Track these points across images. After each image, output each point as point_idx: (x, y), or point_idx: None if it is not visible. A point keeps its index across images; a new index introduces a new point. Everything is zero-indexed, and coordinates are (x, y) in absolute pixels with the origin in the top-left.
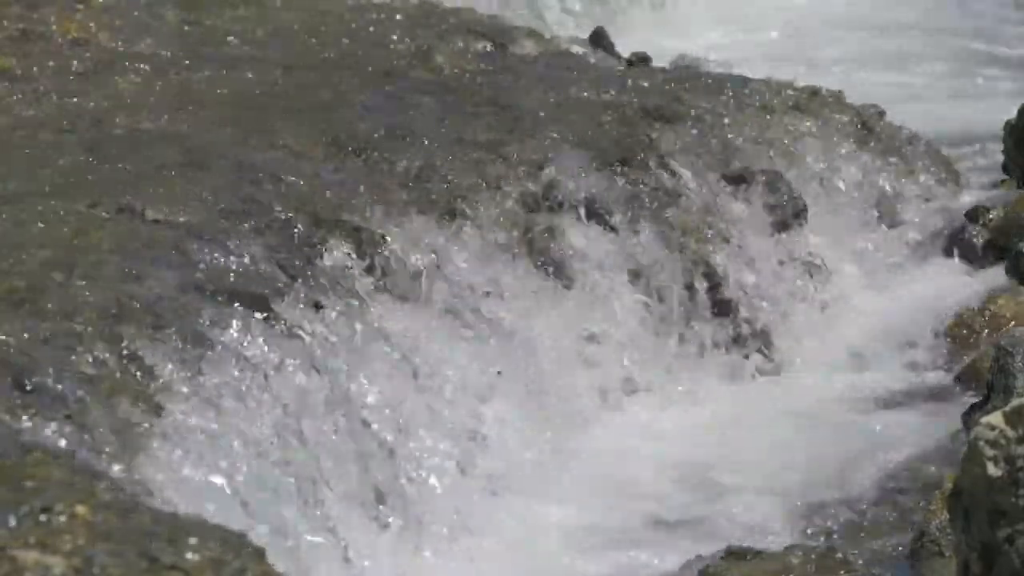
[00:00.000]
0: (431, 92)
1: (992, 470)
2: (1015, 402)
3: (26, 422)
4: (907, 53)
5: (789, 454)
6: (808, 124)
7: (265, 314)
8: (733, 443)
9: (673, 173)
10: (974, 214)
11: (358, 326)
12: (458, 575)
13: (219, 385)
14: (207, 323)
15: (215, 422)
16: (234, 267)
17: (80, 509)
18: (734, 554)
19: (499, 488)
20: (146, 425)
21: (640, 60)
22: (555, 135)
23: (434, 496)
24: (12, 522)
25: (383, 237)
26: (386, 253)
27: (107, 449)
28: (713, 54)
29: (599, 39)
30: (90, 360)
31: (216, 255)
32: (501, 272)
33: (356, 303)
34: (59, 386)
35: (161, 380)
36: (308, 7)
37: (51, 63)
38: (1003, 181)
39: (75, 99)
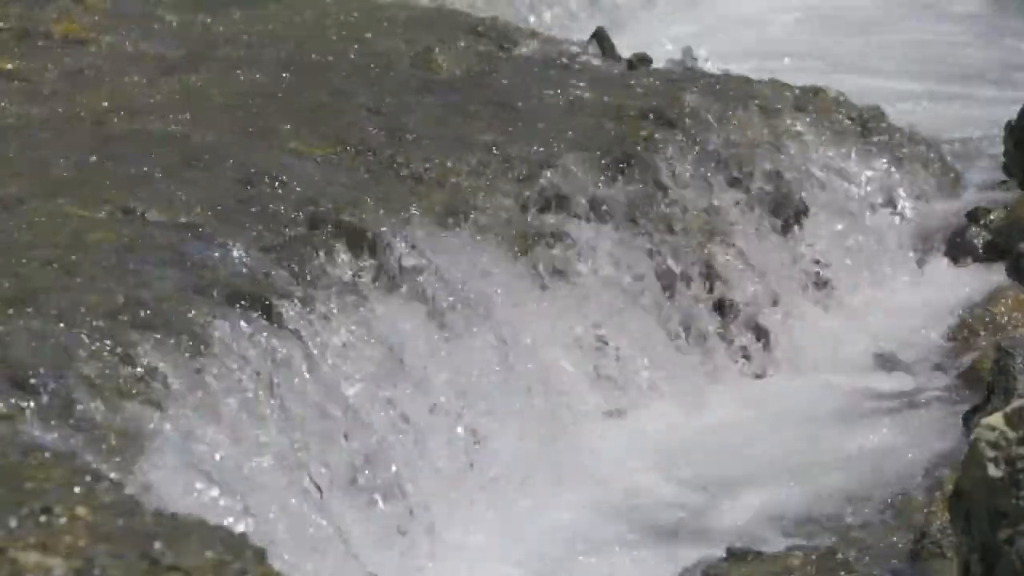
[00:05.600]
0: (432, 92)
1: (993, 471)
2: (1015, 403)
3: (26, 422)
4: (907, 54)
5: (789, 455)
6: (809, 124)
7: (265, 314)
8: (733, 444)
9: (674, 174)
10: (974, 215)
11: (359, 326)
12: (453, 572)
13: (219, 385)
14: (207, 323)
15: (215, 422)
16: (234, 267)
17: (80, 510)
18: (734, 555)
19: (499, 489)
20: (146, 425)
21: (640, 60)
22: (556, 135)
23: (434, 496)
24: (12, 523)
25: (383, 237)
26: (386, 253)
27: (107, 449)
28: (712, 54)
29: (600, 40)
30: (90, 360)
31: (216, 255)
32: (502, 272)
33: (356, 303)
34: (59, 386)
35: (161, 380)
36: (308, 8)
37: (51, 63)
38: (1003, 182)
39: (75, 99)
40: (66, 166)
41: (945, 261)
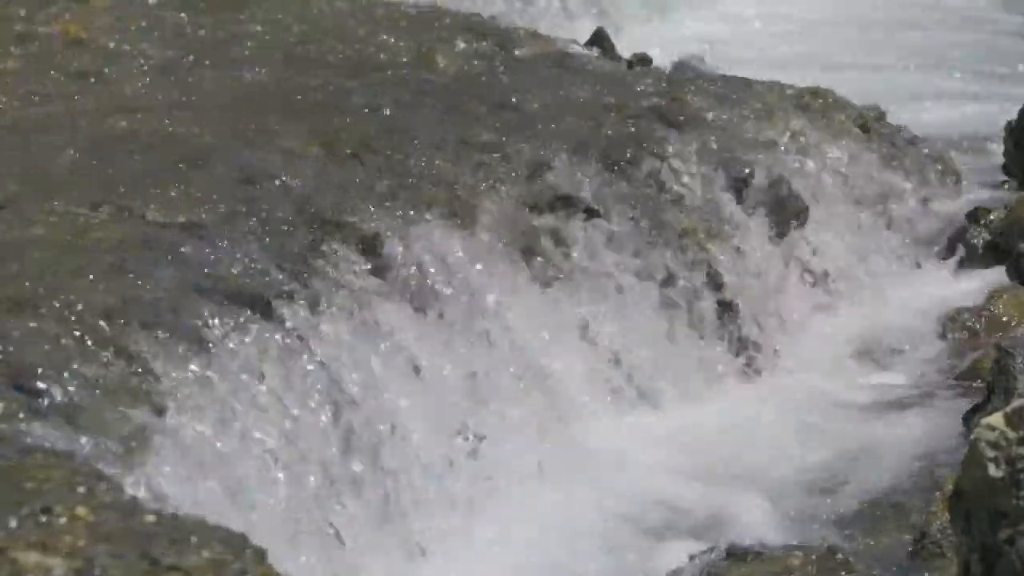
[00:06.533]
0: (432, 93)
1: (993, 471)
2: (1016, 403)
3: (26, 423)
4: (908, 54)
5: (789, 455)
6: (809, 125)
7: (265, 314)
8: (733, 444)
9: (674, 174)
10: (975, 215)
11: (358, 326)
12: (458, 574)
13: (219, 385)
14: (207, 323)
15: (215, 422)
16: (234, 267)
17: (80, 510)
18: (735, 555)
19: (501, 488)
20: (146, 425)
21: (640, 61)
22: (556, 136)
23: (434, 495)
24: (13, 523)
25: (383, 237)
26: (386, 254)
27: (107, 450)
28: (714, 54)
29: (599, 40)
30: (90, 360)
31: (216, 255)
32: (502, 272)
33: (356, 303)
34: (59, 386)
35: (161, 380)
36: (308, 8)
37: (51, 63)
38: (1003, 182)
39: (75, 99)
40: (66, 166)
41: (945, 261)
